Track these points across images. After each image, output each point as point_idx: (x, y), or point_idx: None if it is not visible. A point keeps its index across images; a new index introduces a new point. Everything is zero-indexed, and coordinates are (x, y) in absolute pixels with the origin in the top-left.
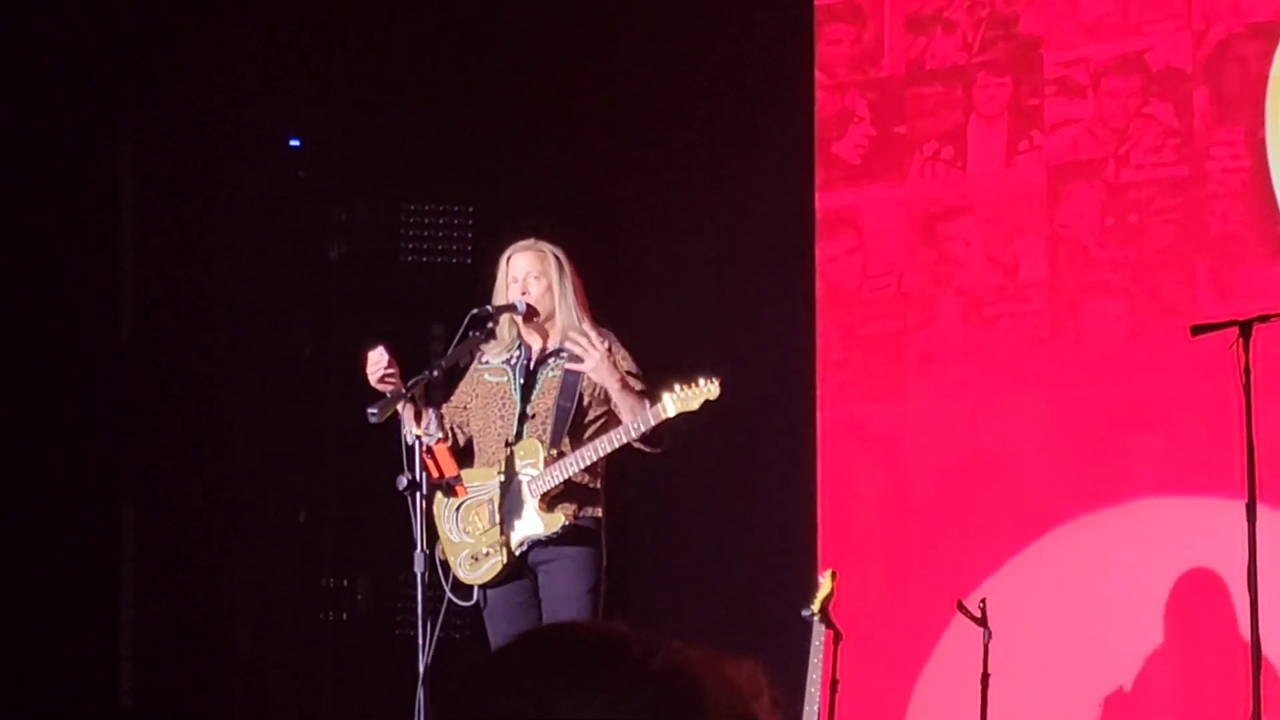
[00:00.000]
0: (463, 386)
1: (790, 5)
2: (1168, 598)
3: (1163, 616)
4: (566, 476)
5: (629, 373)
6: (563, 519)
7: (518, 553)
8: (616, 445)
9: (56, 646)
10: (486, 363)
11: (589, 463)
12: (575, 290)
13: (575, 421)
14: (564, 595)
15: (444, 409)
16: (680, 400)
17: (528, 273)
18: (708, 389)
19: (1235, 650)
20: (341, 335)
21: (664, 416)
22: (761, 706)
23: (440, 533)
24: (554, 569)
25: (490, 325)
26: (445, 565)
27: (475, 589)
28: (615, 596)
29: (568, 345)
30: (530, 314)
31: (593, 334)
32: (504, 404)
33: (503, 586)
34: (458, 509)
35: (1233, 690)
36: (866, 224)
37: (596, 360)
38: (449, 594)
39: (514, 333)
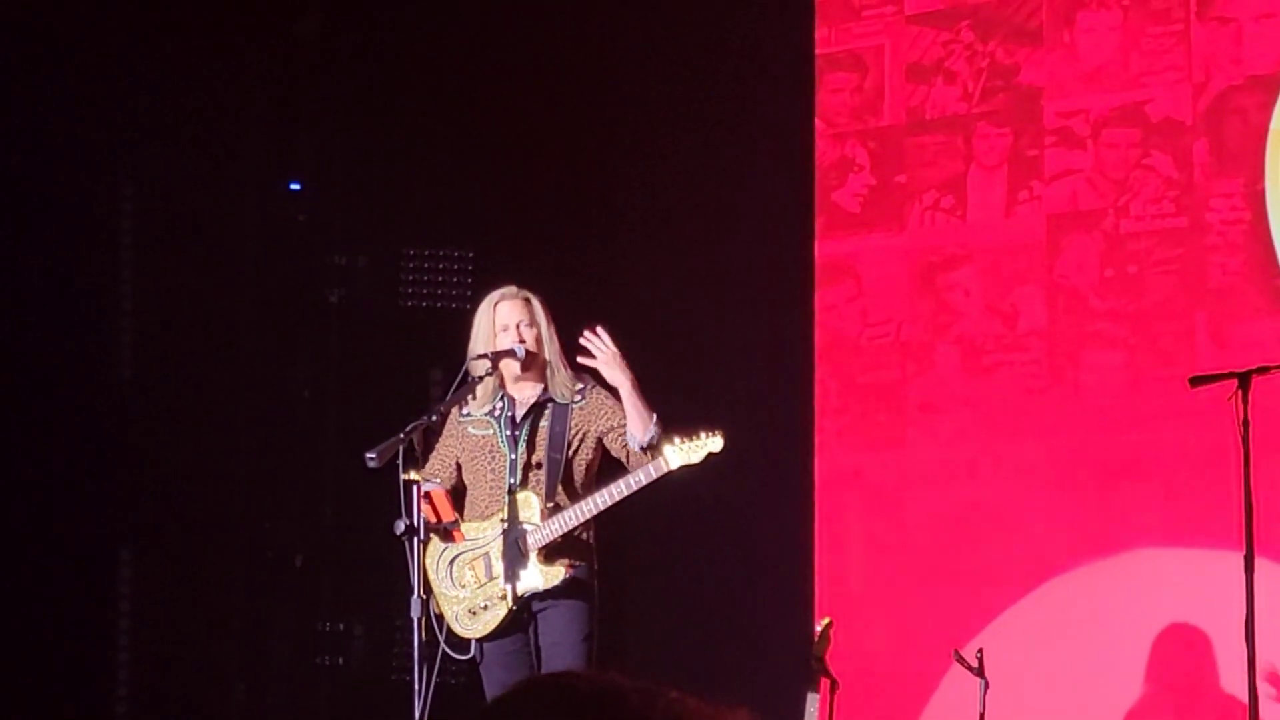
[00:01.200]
0: (446, 441)
1: (791, 53)
2: (1164, 649)
3: (1159, 667)
4: (566, 530)
5: (617, 425)
6: (563, 572)
7: (518, 606)
8: (617, 499)
9: (52, 690)
10: (468, 415)
11: (589, 516)
12: (555, 336)
13: (565, 473)
14: (561, 642)
15: (432, 464)
16: (682, 452)
17: (519, 320)
18: (710, 441)
19: (1231, 702)
20: (341, 379)
21: (665, 470)
22: None
23: (433, 586)
24: (550, 616)
25: (491, 370)
26: (440, 619)
27: (472, 643)
28: (612, 644)
29: (581, 342)
30: (529, 360)
31: (603, 334)
32: (492, 456)
33: (499, 639)
34: (451, 562)
35: None
36: (866, 273)
37: (608, 356)
38: (443, 646)
39: (495, 383)
